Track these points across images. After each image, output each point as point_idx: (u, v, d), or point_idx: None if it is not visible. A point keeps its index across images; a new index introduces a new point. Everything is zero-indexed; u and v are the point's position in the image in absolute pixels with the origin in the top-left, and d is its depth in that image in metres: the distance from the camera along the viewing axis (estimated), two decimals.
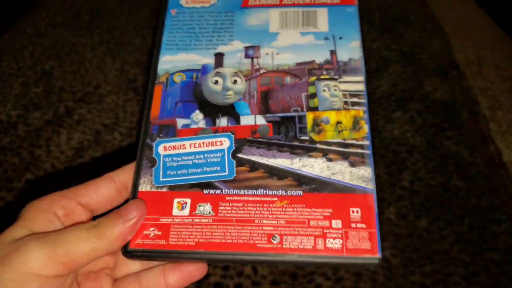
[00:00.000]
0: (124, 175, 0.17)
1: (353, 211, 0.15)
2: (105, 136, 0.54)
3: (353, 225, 0.14)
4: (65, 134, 0.54)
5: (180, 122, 0.17)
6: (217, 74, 0.17)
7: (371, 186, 0.15)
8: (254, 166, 0.16)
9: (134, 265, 0.17)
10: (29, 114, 0.57)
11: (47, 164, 0.50)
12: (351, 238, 0.14)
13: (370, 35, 0.75)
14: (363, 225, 0.14)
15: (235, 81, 0.17)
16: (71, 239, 0.14)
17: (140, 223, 0.16)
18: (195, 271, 0.16)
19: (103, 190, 0.17)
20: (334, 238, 0.14)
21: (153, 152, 0.17)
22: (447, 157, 0.50)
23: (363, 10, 0.91)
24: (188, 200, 0.16)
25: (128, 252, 0.16)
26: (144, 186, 0.16)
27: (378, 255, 0.14)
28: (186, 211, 0.16)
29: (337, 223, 0.15)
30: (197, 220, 0.15)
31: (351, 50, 0.17)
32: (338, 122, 0.16)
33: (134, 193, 0.16)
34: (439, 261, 0.40)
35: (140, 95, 0.61)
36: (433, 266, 0.40)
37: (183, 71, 0.18)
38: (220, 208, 0.16)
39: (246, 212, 0.15)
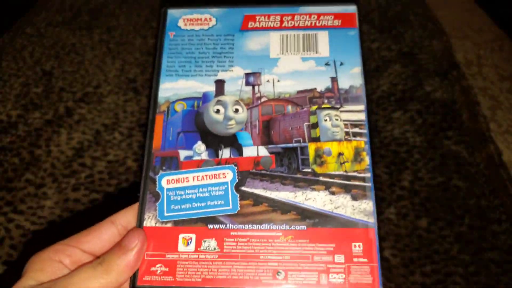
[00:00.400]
0: (125, 217, 0.17)
1: (355, 246, 0.15)
2: (105, 136, 0.54)
3: (355, 259, 0.15)
4: (65, 134, 0.54)
5: (183, 154, 0.16)
6: (218, 102, 0.17)
7: (372, 220, 0.15)
8: (257, 200, 0.16)
9: None
10: (29, 114, 0.57)
11: (47, 164, 0.50)
12: (353, 273, 0.14)
13: (370, 35, 0.75)
14: (365, 260, 0.15)
15: (236, 110, 0.17)
16: (80, 280, 0.14)
17: (143, 250, 0.16)
18: None
19: (105, 236, 0.17)
20: (337, 273, 0.14)
21: (157, 185, 0.16)
22: (447, 157, 0.50)
23: (363, 10, 0.91)
24: (193, 236, 0.16)
25: (135, 286, 0.16)
26: (149, 222, 0.16)
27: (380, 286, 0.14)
28: (192, 247, 0.16)
29: (339, 258, 0.15)
30: (203, 256, 0.16)
31: (352, 77, 0.16)
32: (340, 154, 0.15)
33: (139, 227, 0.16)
34: (439, 261, 0.40)
35: (140, 95, 0.61)
36: (433, 266, 0.40)
37: (184, 99, 0.17)
38: (225, 244, 0.16)
39: (251, 247, 0.15)
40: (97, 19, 0.82)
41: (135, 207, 0.17)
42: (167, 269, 0.15)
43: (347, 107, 0.15)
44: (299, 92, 0.16)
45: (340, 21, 0.17)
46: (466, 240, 0.42)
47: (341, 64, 0.17)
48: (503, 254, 0.40)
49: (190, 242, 0.16)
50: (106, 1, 0.88)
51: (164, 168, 0.16)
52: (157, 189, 0.17)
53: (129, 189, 0.47)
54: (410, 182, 0.47)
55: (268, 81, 0.16)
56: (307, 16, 0.17)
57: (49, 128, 0.54)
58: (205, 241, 0.16)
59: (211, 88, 0.17)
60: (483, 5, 0.81)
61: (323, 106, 0.16)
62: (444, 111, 0.56)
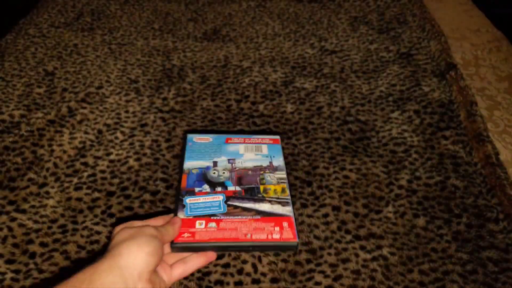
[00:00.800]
0: (167, 217, 0.33)
1: (284, 222, 0.33)
2: (107, 135, 0.54)
3: (284, 228, 0.32)
4: (67, 134, 0.54)
5: (197, 189, 0.36)
6: (215, 169, 0.38)
7: (291, 214, 0.34)
8: (236, 207, 0.34)
9: (174, 258, 0.32)
10: (32, 114, 0.58)
11: (50, 163, 0.50)
12: (283, 233, 0.32)
13: (368, 36, 0.76)
14: (289, 228, 0.32)
15: (224, 172, 0.37)
16: (157, 230, 0.29)
17: (180, 226, 0.32)
18: (212, 254, 0.32)
19: (160, 222, 0.32)
20: (276, 233, 0.32)
21: (183, 202, 0.34)
22: (445, 157, 0.51)
23: (362, 11, 0.93)
24: (203, 221, 0.32)
25: (173, 243, 0.31)
26: (180, 216, 0.33)
27: (297, 240, 0.31)
28: (203, 226, 0.32)
29: (277, 227, 0.32)
30: (209, 229, 0.32)
31: (279, 162, 0.39)
32: (275, 190, 0.36)
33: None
34: (437, 259, 0.40)
35: (142, 96, 0.61)
36: (431, 264, 0.40)
37: (197, 168, 0.38)
38: (220, 224, 0.33)
39: (233, 225, 0.32)
40: (99, 20, 0.83)
41: (170, 215, 0.33)
42: (190, 235, 0.31)
43: (277, 172, 0.38)
44: (254, 166, 0.38)
45: (272, 141, 0.41)
46: (464, 239, 0.42)
47: (273, 156, 0.39)
48: (501, 253, 0.41)
49: (202, 224, 0.32)
50: (108, 3, 0.89)
51: (187, 195, 0.35)
52: (183, 203, 0.34)
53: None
54: (408, 181, 0.48)
55: (239, 162, 0.38)
56: (256, 139, 0.41)
57: (52, 128, 0.55)
58: (209, 223, 0.32)
59: (210, 164, 0.38)
60: (480, 6, 0.82)
61: (266, 172, 0.38)
62: (442, 111, 0.57)
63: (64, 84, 0.64)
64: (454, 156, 0.51)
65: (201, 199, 0.33)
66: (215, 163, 0.37)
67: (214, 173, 0.36)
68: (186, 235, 0.30)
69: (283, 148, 0.38)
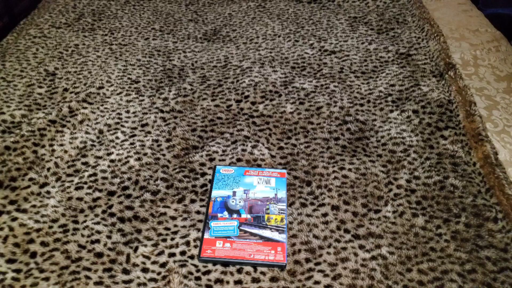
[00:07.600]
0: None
1: (278, 247, 0.42)
2: (108, 135, 0.55)
3: (278, 252, 0.42)
4: (68, 133, 0.54)
5: (219, 215, 0.45)
6: (233, 198, 0.47)
7: (285, 240, 0.43)
8: (245, 231, 0.44)
9: None
10: (33, 114, 0.58)
11: (51, 163, 0.50)
12: (276, 256, 0.41)
13: (368, 36, 0.76)
14: (281, 252, 0.42)
15: (240, 201, 0.46)
16: None
17: None
18: None
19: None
20: (271, 255, 0.41)
21: (209, 224, 0.44)
22: (444, 156, 0.51)
23: (361, 12, 0.93)
24: (222, 241, 0.43)
25: (200, 257, 0.41)
26: (206, 236, 0.43)
27: (285, 262, 0.41)
28: (221, 245, 0.42)
29: (272, 250, 0.42)
30: (225, 248, 0.42)
31: (282, 194, 0.47)
32: (275, 219, 0.44)
33: (202, 238, 0.43)
34: (436, 259, 0.41)
35: (143, 96, 0.62)
36: (430, 264, 0.40)
37: (221, 196, 0.47)
38: (233, 244, 0.42)
39: (243, 246, 0.42)
40: (99, 21, 0.83)
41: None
42: (211, 251, 0.42)
43: (279, 203, 0.46)
44: (263, 197, 0.47)
45: (279, 175, 0.49)
46: (463, 238, 0.42)
47: (278, 189, 0.47)
48: (500, 252, 0.41)
49: (220, 243, 0.42)
50: (108, 3, 0.89)
51: (212, 219, 0.45)
52: (209, 225, 0.44)
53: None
54: (406, 180, 0.48)
55: (252, 193, 0.47)
56: (268, 172, 0.49)
57: (53, 128, 0.55)
58: (226, 244, 0.42)
59: (231, 193, 0.47)
60: (479, 6, 0.82)
61: (272, 202, 0.46)
62: (441, 111, 0.57)
63: (65, 84, 0.65)
64: (453, 156, 0.51)
65: (221, 223, 0.43)
66: (234, 193, 0.46)
67: (233, 201, 0.45)
68: (209, 251, 0.41)
69: (287, 182, 0.47)
